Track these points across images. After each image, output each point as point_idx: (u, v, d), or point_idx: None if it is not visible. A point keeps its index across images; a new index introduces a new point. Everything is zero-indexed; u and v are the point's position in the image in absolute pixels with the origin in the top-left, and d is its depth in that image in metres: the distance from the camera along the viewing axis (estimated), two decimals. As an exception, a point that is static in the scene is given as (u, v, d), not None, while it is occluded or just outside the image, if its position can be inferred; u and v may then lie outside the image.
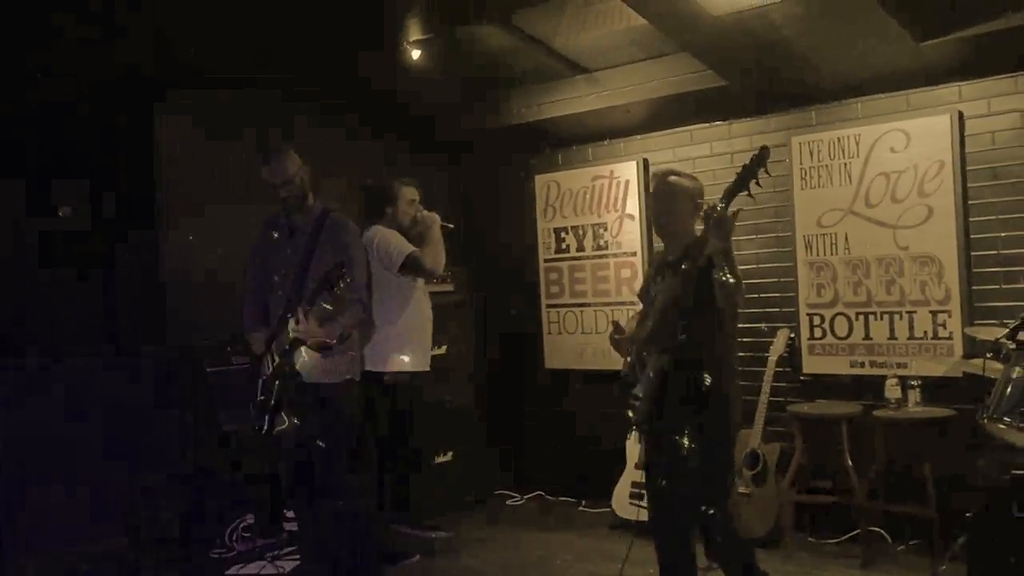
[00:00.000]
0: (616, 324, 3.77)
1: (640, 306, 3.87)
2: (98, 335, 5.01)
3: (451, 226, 5.14)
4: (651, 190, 3.78)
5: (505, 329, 6.55)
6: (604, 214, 6.01)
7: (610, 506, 5.45)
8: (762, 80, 5.07)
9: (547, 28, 5.33)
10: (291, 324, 3.91)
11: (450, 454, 6.05)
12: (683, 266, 3.39)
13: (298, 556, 4.84)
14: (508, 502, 6.26)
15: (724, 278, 3.21)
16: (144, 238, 5.16)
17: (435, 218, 5.10)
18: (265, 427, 4.04)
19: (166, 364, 5.12)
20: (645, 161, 5.87)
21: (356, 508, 4.20)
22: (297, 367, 4.00)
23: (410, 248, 4.91)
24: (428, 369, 5.19)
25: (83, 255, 4.96)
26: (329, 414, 4.12)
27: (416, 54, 5.26)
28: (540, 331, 6.39)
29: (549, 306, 6.35)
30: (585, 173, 6.13)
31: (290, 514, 5.00)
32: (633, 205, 5.88)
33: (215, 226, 5.29)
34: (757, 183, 3.17)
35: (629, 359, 3.64)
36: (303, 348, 3.96)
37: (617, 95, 5.61)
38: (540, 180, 6.35)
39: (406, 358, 5.00)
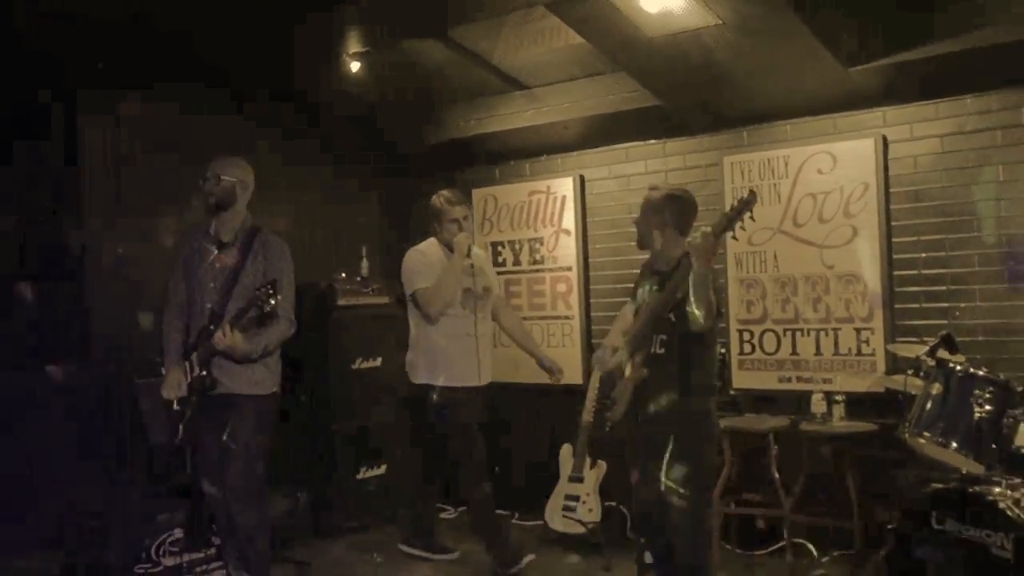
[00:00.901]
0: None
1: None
2: (21, 349, 4.89)
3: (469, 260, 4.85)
4: None
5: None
6: (540, 229, 6.06)
7: (543, 519, 5.47)
8: (696, 101, 5.19)
9: (486, 44, 5.39)
10: (216, 337, 3.89)
11: (383, 467, 6.02)
12: (668, 284, 3.57)
13: (224, 571, 4.77)
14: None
15: (693, 313, 3.43)
16: (69, 248, 5.06)
17: (461, 246, 4.76)
18: (180, 438, 4.04)
19: (93, 378, 5.01)
20: (581, 177, 5.94)
21: (265, 521, 4.22)
22: (218, 379, 3.99)
23: (420, 285, 4.82)
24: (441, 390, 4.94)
25: (8, 266, 4.84)
26: (247, 426, 4.09)
27: (356, 66, 5.25)
28: (475, 344, 6.39)
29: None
30: (522, 188, 6.18)
31: (216, 529, 4.93)
32: (569, 220, 5.95)
33: (145, 237, 5.21)
34: (742, 226, 3.39)
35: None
36: (225, 360, 3.96)
37: (555, 112, 5.69)
38: (477, 194, 6.38)
39: (445, 374, 4.88)
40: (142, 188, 5.27)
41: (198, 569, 4.96)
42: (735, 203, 3.40)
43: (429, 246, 4.98)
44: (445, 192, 4.95)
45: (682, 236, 3.72)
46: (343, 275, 6.01)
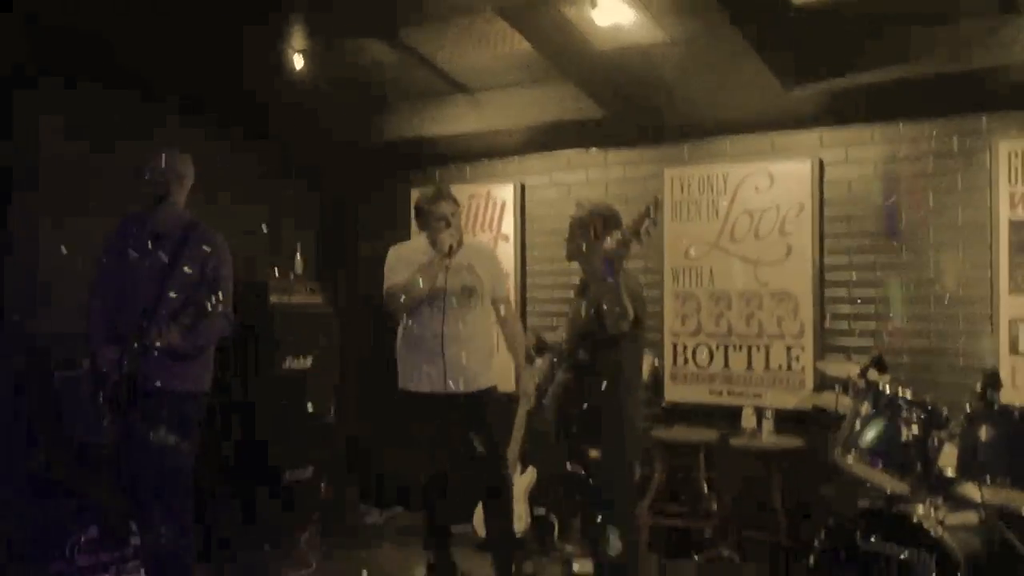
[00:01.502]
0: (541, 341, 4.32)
1: None
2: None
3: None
4: None
5: (374, 344, 6.46)
6: (479, 234, 6.03)
7: (471, 525, 5.44)
8: (640, 114, 5.23)
9: (431, 46, 5.33)
10: (153, 333, 3.78)
11: (310, 469, 5.92)
12: (587, 292, 3.66)
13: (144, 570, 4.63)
14: (367, 519, 6.18)
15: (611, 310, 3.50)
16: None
17: (443, 245, 4.45)
18: (106, 436, 3.91)
19: (10, 370, 4.82)
20: (522, 184, 5.93)
21: (187, 524, 4.08)
22: (150, 375, 3.87)
23: (387, 283, 4.63)
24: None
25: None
26: (180, 423, 3.99)
27: (299, 62, 5.15)
28: (408, 347, 6.34)
29: (419, 322, 6.31)
30: (462, 191, 6.07)
31: (135, 527, 4.79)
32: (509, 226, 5.94)
33: (60, 227, 5.03)
34: (648, 233, 3.42)
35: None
36: (159, 356, 3.84)
37: (498, 117, 5.67)
38: (417, 196, 6.31)
39: (409, 378, 4.70)
40: (62, 179, 5.08)
41: (113, 568, 4.80)
42: (643, 209, 3.47)
43: (413, 243, 4.82)
44: (429, 189, 4.77)
45: (601, 244, 3.79)
46: (276, 273, 5.90)
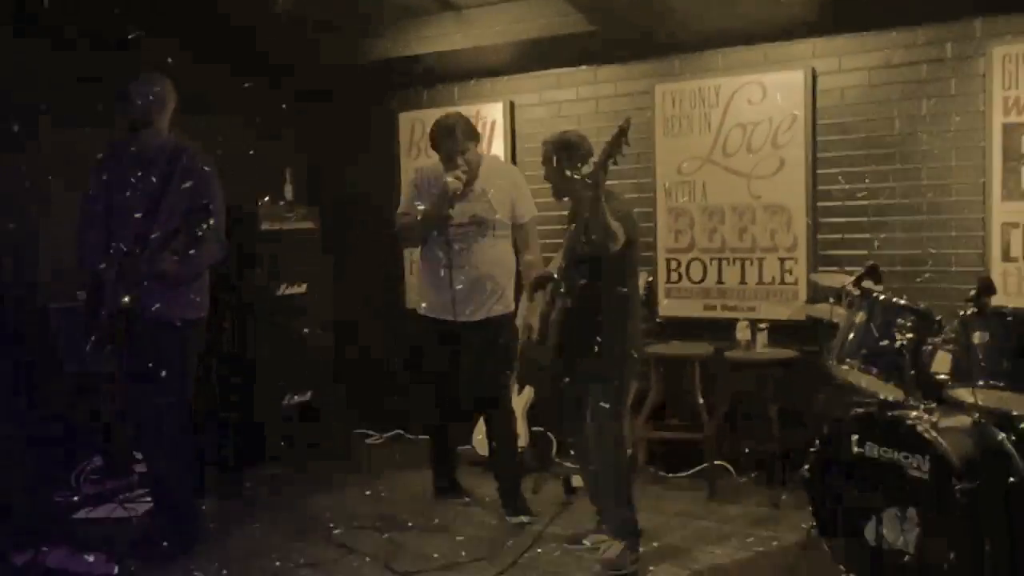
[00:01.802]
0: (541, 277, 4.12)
1: None
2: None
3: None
4: None
5: (366, 269, 6.47)
6: (470, 155, 5.97)
7: (471, 444, 5.52)
8: (629, 27, 5.14)
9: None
10: (146, 259, 3.76)
11: (309, 394, 5.97)
12: (575, 217, 3.73)
13: (150, 499, 4.70)
14: (367, 440, 6.26)
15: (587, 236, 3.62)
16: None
17: (447, 188, 4.41)
18: (104, 365, 3.93)
19: (3, 302, 4.81)
20: (511, 103, 5.86)
21: (187, 447, 4.16)
22: (147, 304, 3.87)
23: (403, 207, 4.68)
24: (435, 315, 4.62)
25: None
26: (175, 350, 4.01)
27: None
28: (402, 271, 6.35)
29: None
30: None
31: (139, 455, 4.84)
32: (499, 147, 5.88)
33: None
34: (622, 153, 3.45)
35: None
36: (154, 284, 3.83)
37: (486, 35, 5.56)
38: (404, 118, 6.25)
39: (424, 303, 4.70)
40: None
41: (119, 497, 4.87)
42: (614, 131, 3.47)
43: (430, 167, 4.74)
44: (445, 119, 4.54)
45: (569, 168, 3.90)
46: (266, 199, 5.85)
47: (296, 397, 5.88)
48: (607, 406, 3.84)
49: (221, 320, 5.29)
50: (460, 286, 4.44)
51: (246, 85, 5.73)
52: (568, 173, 3.86)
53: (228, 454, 5.45)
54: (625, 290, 3.88)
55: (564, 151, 3.92)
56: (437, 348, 4.64)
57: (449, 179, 4.41)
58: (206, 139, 4.46)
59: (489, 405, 4.73)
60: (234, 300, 5.55)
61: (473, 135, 4.54)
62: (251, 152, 6.08)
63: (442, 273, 4.46)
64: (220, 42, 5.59)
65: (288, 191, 5.97)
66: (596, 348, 3.80)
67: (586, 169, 3.62)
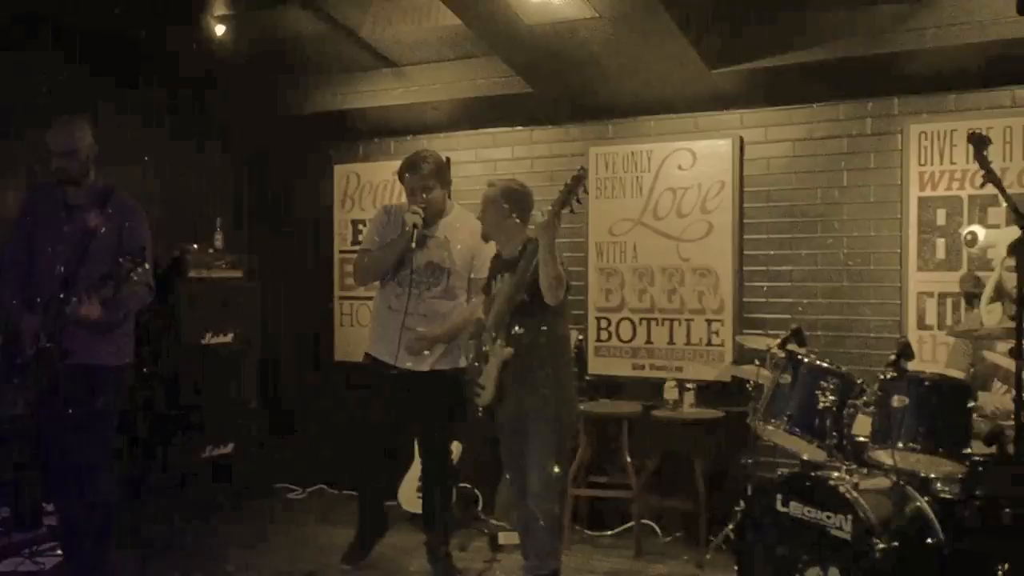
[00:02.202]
0: (479, 322, 4.07)
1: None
2: None
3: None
4: None
5: (295, 319, 6.41)
6: (405, 209, 6.00)
7: (396, 500, 5.45)
8: (566, 91, 5.27)
9: (356, 17, 5.27)
10: (74, 306, 3.66)
11: (230, 446, 5.84)
12: (518, 267, 3.74)
13: (60, 551, 4.51)
14: (289, 495, 6.13)
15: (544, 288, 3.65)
16: None
17: (407, 222, 4.32)
18: (21, 411, 3.79)
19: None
20: (447, 159, 5.89)
21: (110, 499, 4.00)
22: (70, 349, 3.76)
23: (363, 245, 4.59)
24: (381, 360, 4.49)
25: None
26: (99, 396, 3.90)
27: (220, 30, 5.04)
28: (332, 323, 6.30)
29: (342, 298, 6.28)
30: (387, 167, 6.07)
31: (50, 507, 4.66)
32: (434, 202, 5.91)
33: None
34: (578, 201, 3.56)
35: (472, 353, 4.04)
36: (79, 329, 3.73)
37: (424, 92, 5.64)
38: (340, 171, 6.27)
39: (371, 346, 4.55)
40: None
41: (26, 550, 4.67)
42: (568, 181, 3.59)
43: (397, 205, 4.61)
44: (407, 158, 4.45)
45: (523, 224, 3.97)
46: (195, 246, 5.78)
47: (216, 449, 5.75)
48: (554, 454, 3.84)
49: (144, 368, 5.16)
50: (409, 333, 4.34)
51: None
52: (515, 220, 3.92)
53: (146, 506, 5.27)
54: (566, 335, 3.96)
55: (513, 199, 3.95)
56: (379, 393, 4.49)
57: (407, 214, 4.33)
58: (135, 183, 4.42)
59: (429, 459, 4.65)
60: (158, 348, 5.44)
61: (441, 177, 4.44)
62: (183, 199, 6.05)
63: (392, 318, 4.37)
64: (157, 89, 5.56)
65: (218, 239, 5.90)
66: (543, 395, 3.82)
67: (538, 217, 3.66)
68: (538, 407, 3.83)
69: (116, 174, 4.25)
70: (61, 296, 3.73)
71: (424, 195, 4.35)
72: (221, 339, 5.80)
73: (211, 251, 5.84)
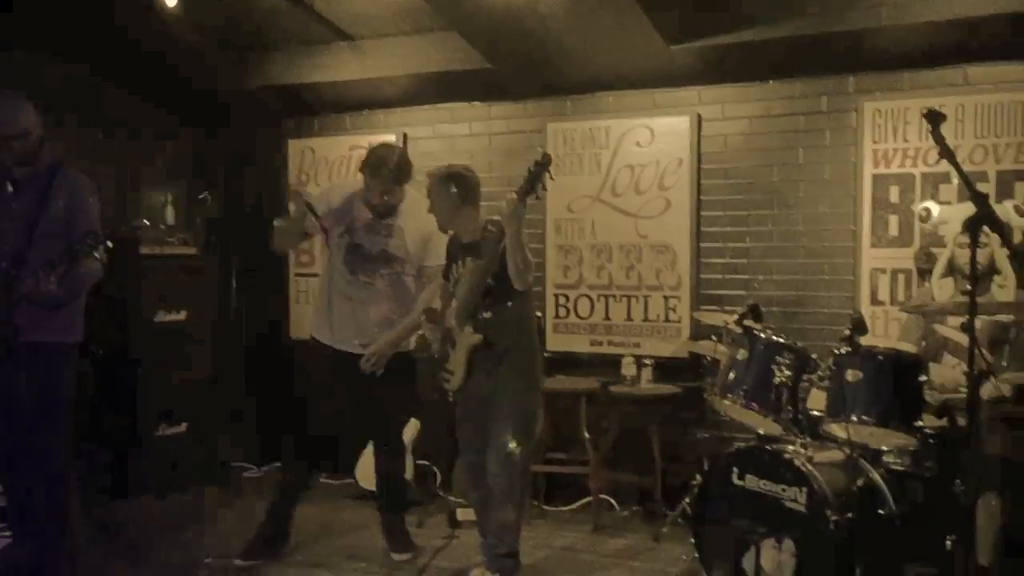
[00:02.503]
0: (430, 310, 4.04)
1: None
2: None
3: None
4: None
5: (250, 297, 6.32)
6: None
7: (353, 478, 5.43)
8: (525, 67, 5.24)
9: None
10: (28, 284, 3.58)
11: (184, 425, 5.77)
12: (482, 253, 3.70)
13: (9, 532, 4.43)
14: (245, 474, 6.07)
15: (512, 274, 3.65)
16: None
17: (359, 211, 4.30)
18: None
19: None
20: (404, 135, 5.87)
21: (62, 478, 3.92)
22: (21, 327, 3.68)
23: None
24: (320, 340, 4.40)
25: None
26: (56, 375, 3.82)
27: (172, 1, 4.91)
28: (287, 301, 6.24)
29: (298, 275, 6.22)
30: (342, 142, 6.03)
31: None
32: (391, 178, 5.86)
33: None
34: (544, 188, 3.49)
35: (438, 338, 4.00)
36: (31, 307, 3.65)
37: (381, 66, 5.58)
38: (294, 146, 6.18)
39: (316, 329, 4.43)
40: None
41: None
42: (532, 166, 3.53)
43: (351, 183, 4.46)
44: (371, 154, 4.25)
45: (476, 207, 3.93)
46: (146, 222, 5.68)
47: (170, 428, 5.68)
48: (517, 434, 3.84)
49: (95, 346, 5.07)
50: (356, 317, 4.29)
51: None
52: (469, 206, 3.89)
53: (98, 486, 5.20)
54: (532, 316, 3.97)
55: (462, 185, 3.89)
56: (322, 377, 4.41)
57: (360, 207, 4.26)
58: (85, 157, 4.31)
59: (379, 440, 4.62)
60: (109, 326, 5.34)
61: (402, 179, 4.26)
62: (133, 175, 5.93)
63: (341, 302, 4.31)
64: (112, 59, 5.43)
65: (170, 215, 5.80)
66: (510, 378, 3.82)
67: (503, 206, 3.53)
68: (504, 389, 3.82)
69: (64, 149, 4.15)
70: (13, 273, 3.64)
71: (384, 198, 4.22)
72: (174, 316, 5.72)
73: (163, 227, 5.74)
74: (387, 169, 4.17)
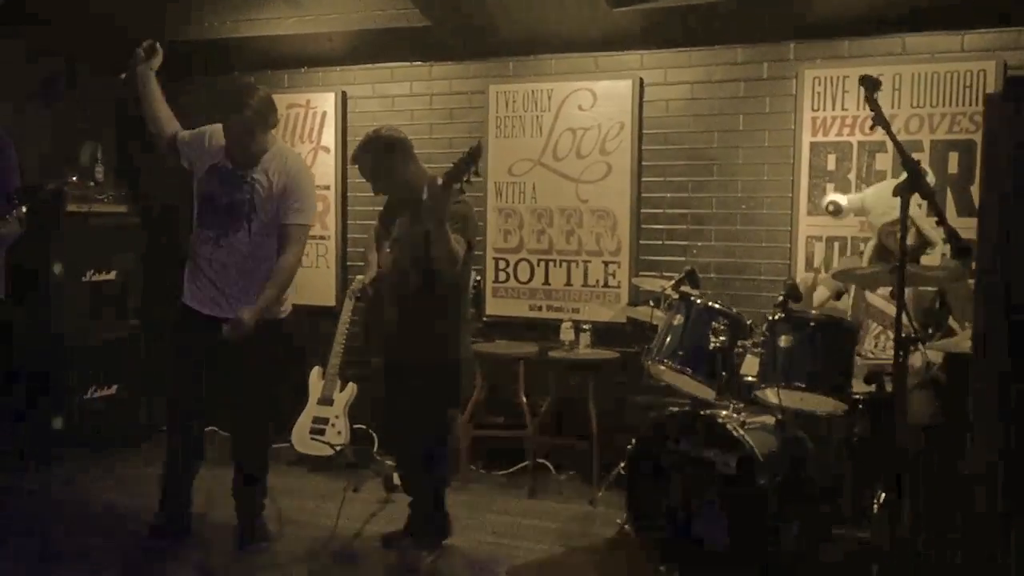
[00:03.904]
0: (365, 289, 3.89)
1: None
2: None
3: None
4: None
5: (182, 256, 6.15)
6: (298, 144, 5.81)
7: (289, 442, 5.36)
8: (464, 25, 5.14)
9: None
10: None
11: (114, 387, 5.65)
12: (420, 217, 3.48)
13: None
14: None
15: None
16: None
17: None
18: None
19: None
20: (344, 93, 5.75)
21: None
22: None
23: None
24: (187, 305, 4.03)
25: None
26: None
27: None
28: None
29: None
30: (280, 100, 5.68)
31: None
32: (329, 137, 5.75)
33: None
34: (468, 180, 3.31)
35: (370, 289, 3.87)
36: None
37: (318, 21, 5.42)
38: (230, 102, 6.00)
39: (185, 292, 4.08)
40: None
41: None
42: (463, 154, 3.33)
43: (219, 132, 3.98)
44: (227, 94, 3.90)
45: (416, 163, 3.80)
46: (74, 179, 5.48)
47: (99, 391, 5.55)
48: (445, 402, 3.84)
49: (19, 305, 4.90)
50: (214, 278, 3.94)
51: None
52: (412, 166, 3.77)
53: (20, 448, 5.06)
54: (464, 285, 3.88)
55: (401, 148, 3.77)
56: (185, 343, 4.05)
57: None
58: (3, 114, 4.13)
59: (241, 412, 4.15)
60: (33, 285, 5.18)
61: (264, 123, 3.85)
62: (58, 130, 5.72)
63: (201, 262, 3.96)
64: (26, 13, 5.19)
65: (99, 171, 5.62)
66: (437, 345, 3.76)
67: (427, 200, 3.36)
68: (430, 356, 3.76)
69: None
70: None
71: (245, 145, 3.85)
72: (104, 276, 5.57)
73: (92, 184, 5.57)
74: (247, 110, 3.76)
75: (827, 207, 4.24)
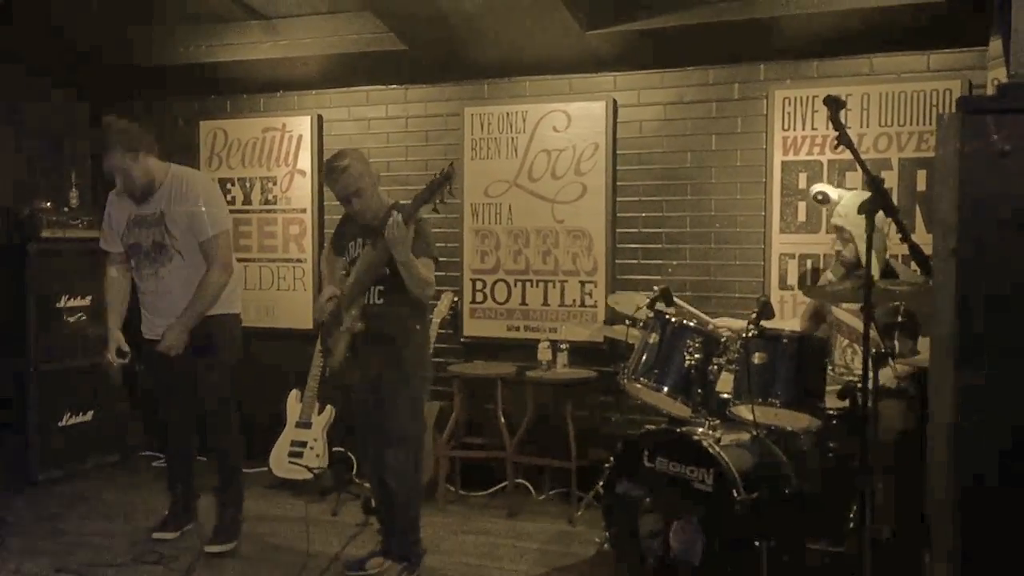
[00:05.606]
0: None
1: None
2: None
3: None
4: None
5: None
6: (274, 168, 5.84)
7: (267, 466, 5.34)
8: (440, 49, 5.18)
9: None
10: None
11: (90, 414, 5.61)
12: (380, 242, 3.59)
13: None
14: (154, 463, 5.92)
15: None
16: None
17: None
18: None
19: None
20: (319, 117, 5.77)
21: None
22: None
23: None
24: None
25: None
26: None
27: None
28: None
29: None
30: (256, 124, 5.90)
31: None
32: (305, 161, 5.77)
33: None
34: (442, 201, 3.40)
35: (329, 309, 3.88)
36: None
37: (295, 46, 5.46)
38: (206, 127, 6.02)
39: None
40: None
41: None
42: (436, 176, 3.42)
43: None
44: (107, 121, 4.15)
45: (376, 188, 3.82)
46: (48, 204, 5.48)
47: (75, 417, 5.51)
48: (410, 424, 3.85)
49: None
50: (151, 308, 4.29)
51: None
52: (376, 188, 3.82)
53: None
54: (426, 308, 3.93)
55: (367, 165, 3.80)
56: (152, 370, 4.42)
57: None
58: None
59: (208, 420, 4.41)
60: (4, 311, 5.15)
61: (132, 148, 4.05)
62: (34, 155, 5.71)
63: (144, 299, 4.31)
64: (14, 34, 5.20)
65: (74, 197, 5.61)
66: (399, 366, 3.79)
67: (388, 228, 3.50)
68: (390, 379, 3.79)
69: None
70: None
71: (130, 178, 4.10)
72: (79, 302, 5.55)
73: (66, 210, 5.55)
74: (111, 135, 4.01)
75: (815, 196, 4.23)
